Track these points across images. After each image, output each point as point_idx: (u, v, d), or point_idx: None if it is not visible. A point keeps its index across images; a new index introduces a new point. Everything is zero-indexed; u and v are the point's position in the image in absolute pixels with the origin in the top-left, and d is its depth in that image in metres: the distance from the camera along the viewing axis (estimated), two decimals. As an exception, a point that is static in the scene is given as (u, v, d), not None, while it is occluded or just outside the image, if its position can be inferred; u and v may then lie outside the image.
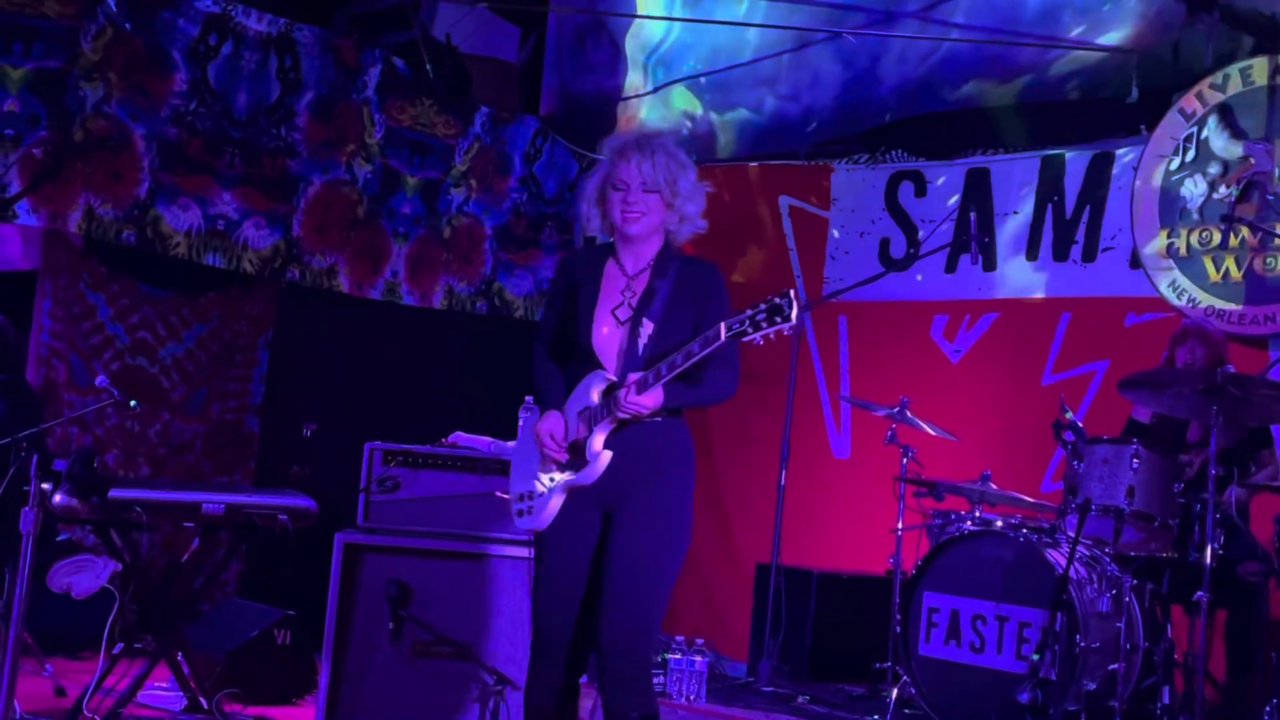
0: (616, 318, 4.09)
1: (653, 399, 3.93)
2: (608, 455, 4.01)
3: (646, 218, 4.07)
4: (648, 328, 4.03)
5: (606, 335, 4.09)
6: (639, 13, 8.44)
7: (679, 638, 6.10)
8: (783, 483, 6.39)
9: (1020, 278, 7.05)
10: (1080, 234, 6.86)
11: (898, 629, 5.76)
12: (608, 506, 4.05)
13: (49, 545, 6.22)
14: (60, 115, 6.63)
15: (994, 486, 5.89)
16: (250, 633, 6.04)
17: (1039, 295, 6.99)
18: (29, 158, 6.47)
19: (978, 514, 5.81)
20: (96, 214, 6.82)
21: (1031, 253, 7.03)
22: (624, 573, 3.94)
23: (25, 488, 4.55)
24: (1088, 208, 6.86)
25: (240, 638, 6.01)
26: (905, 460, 6.12)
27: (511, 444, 6.02)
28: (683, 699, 5.85)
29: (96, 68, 6.72)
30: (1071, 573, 5.24)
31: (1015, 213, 7.07)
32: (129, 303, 7.34)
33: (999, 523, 5.69)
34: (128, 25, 6.81)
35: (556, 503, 4.10)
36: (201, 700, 5.57)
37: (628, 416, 3.97)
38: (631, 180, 4.04)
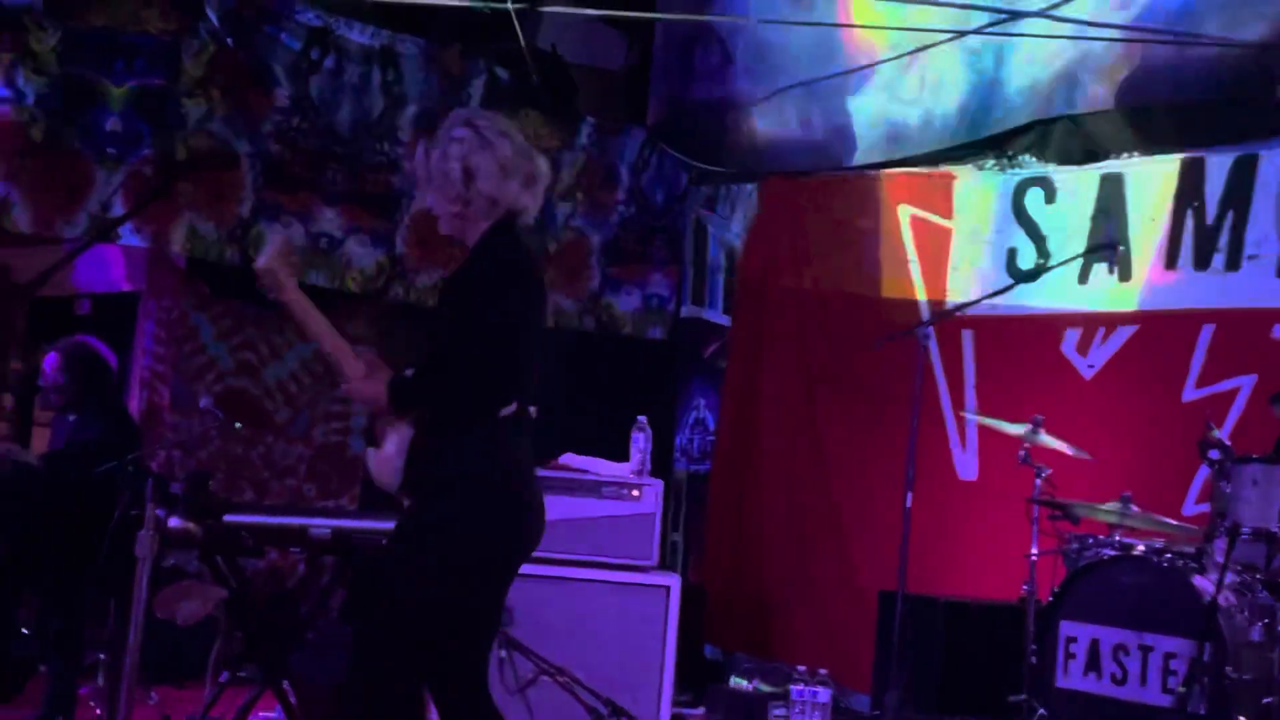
0: None
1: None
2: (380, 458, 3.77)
3: (441, 219, 3.84)
4: None
5: None
6: (751, 17, 8.23)
7: (800, 668, 5.86)
8: (909, 505, 6.11)
9: (1158, 288, 6.73)
10: (1223, 241, 6.54)
11: (1033, 660, 5.53)
12: None
13: (155, 571, 6.15)
14: (163, 134, 6.56)
15: (1135, 509, 5.64)
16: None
17: (1179, 306, 6.66)
18: (137, 177, 6.40)
19: (1117, 538, 5.58)
20: (199, 233, 6.74)
21: (1170, 261, 6.70)
22: None
23: (134, 512, 4.45)
24: (1230, 213, 6.53)
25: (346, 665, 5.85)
26: (1039, 481, 5.85)
27: (626, 465, 5.86)
28: (806, 733, 5.62)
29: (199, 85, 6.65)
30: (1221, 600, 5.00)
31: (1152, 220, 6.75)
32: (232, 323, 7.27)
33: (1140, 547, 5.45)
34: (230, 41, 6.72)
35: None
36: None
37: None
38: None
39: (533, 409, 3.75)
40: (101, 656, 5.35)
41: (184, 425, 6.94)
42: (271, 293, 3.78)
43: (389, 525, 6.16)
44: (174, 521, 4.79)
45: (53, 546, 5.53)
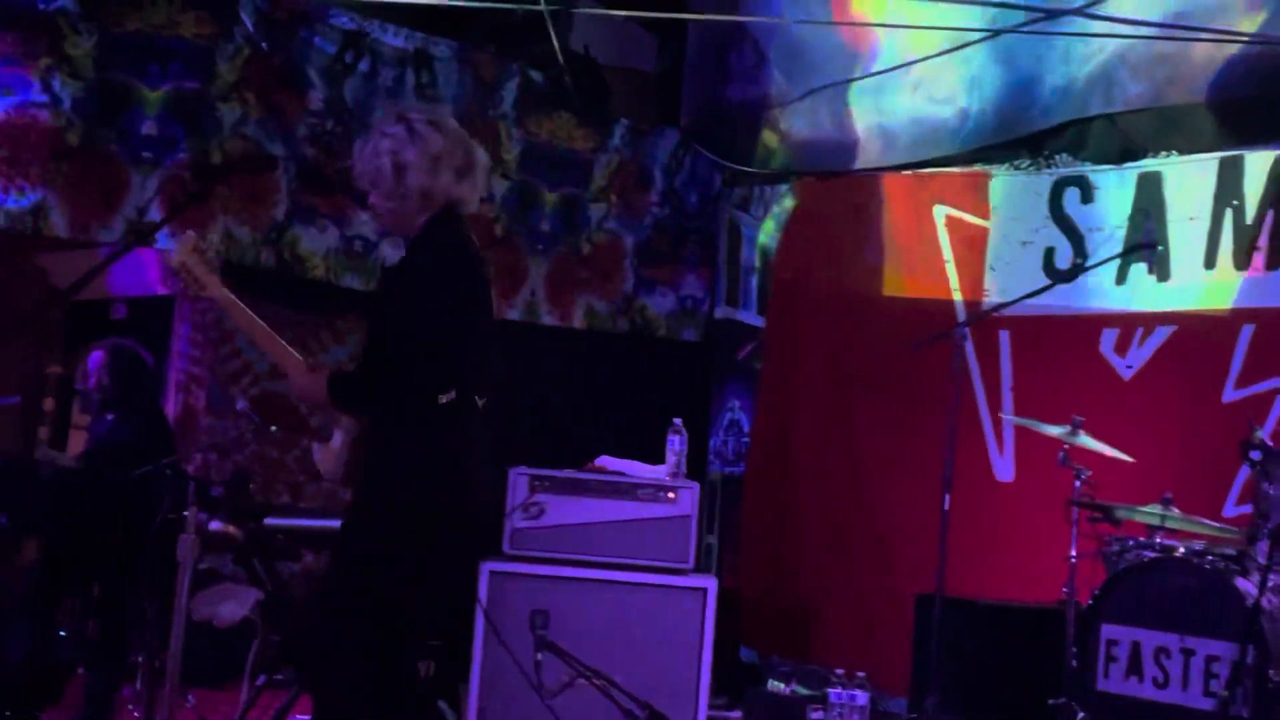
0: None
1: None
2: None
3: (380, 215, 3.87)
4: None
5: None
6: (785, 18, 8.19)
7: (838, 670, 5.81)
8: (946, 507, 6.06)
9: (1197, 288, 6.67)
10: (1263, 240, 6.47)
11: (1074, 663, 5.48)
12: None
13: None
14: (198, 137, 6.58)
15: (1175, 510, 5.58)
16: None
17: (1218, 306, 6.59)
18: (173, 180, 6.41)
19: (1158, 540, 5.52)
20: (234, 237, 6.75)
21: (1209, 261, 6.64)
22: None
23: (175, 515, 4.46)
24: (1270, 212, 6.47)
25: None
26: (1078, 483, 5.78)
27: (661, 467, 5.83)
28: (844, 736, 5.58)
29: (234, 88, 6.67)
30: (1264, 602, 4.93)
31: (1191, 219, 6.69)
32: (268, 326, 7.27)
33: (1181, 549, 5.39)
34: (264, 45, 6.73)
35: None
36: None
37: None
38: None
39: (480, 399, 3.76)
40: (140, 659, 5.35)
41: (219, 428, 6.94)
42: (191, 289, 3.78)
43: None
44: (214, 524, 4.79)
45: (91, 549, 5.54)
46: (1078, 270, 6.78)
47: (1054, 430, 5.84)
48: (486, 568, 5.32)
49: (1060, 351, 7.00)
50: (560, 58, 7.76)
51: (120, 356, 5.83)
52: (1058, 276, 6.92)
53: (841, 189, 7.92)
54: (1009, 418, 6.93)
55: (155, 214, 6.37)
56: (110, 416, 5.74)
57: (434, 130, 3.81)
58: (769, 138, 8.25)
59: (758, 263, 8.32)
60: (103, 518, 5.42)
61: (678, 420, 5.95)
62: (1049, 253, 7.15)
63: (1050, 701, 5.71)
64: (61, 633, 6.09)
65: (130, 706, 5.49)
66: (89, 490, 5.42)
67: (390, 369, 3.66)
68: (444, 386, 3.69)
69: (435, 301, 3.67)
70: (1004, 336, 7.21)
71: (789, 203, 8.17)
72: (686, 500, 5.58)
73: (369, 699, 3.71)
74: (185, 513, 4.03)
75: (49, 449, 6.28)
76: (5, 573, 5.27)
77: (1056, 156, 7.19)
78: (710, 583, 5.51)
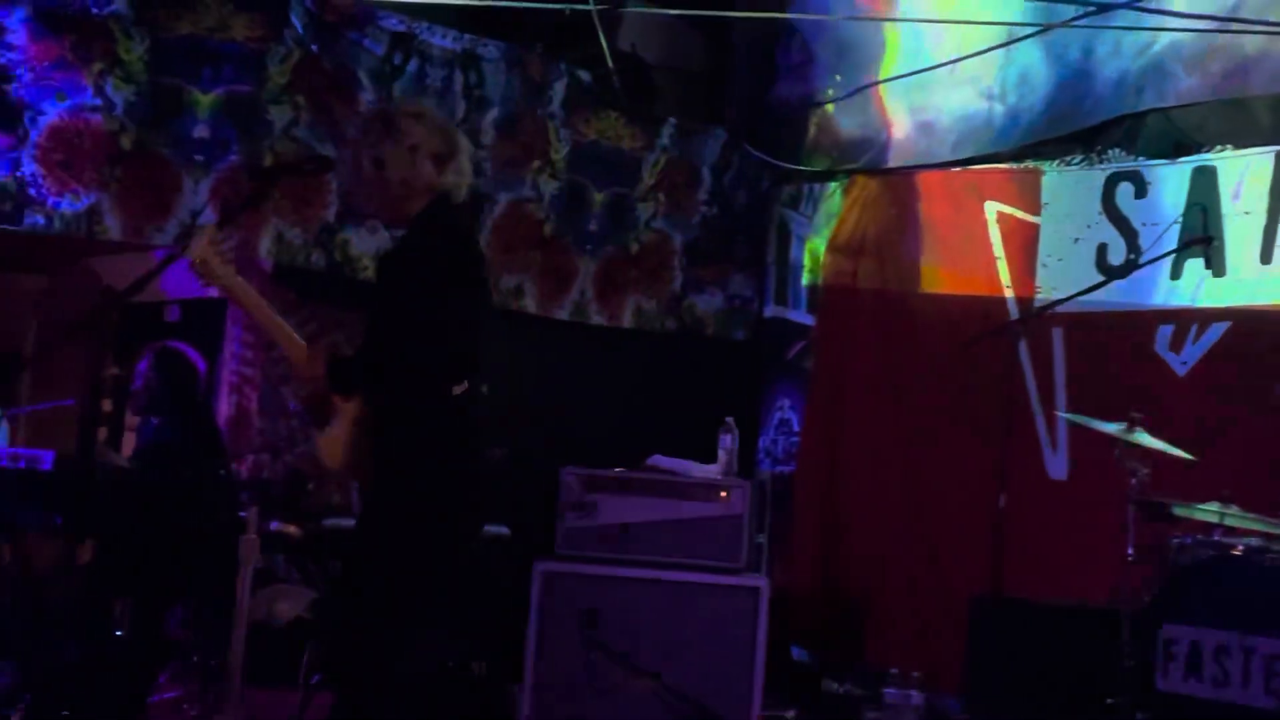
0: None
1: None
2: None
3: (372, 211, 3.95)
4: None
5: None
6: (831, 15, 8.16)
7: (893, 670, 5.78)
8: (1002, 505, 6.00)
9: (1253, 283, 6.57)
10: (1320, 234, 6.38)
11: (1132, 663, 5.39)
12: None
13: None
14: (250, 140, 6.60)
15: (1234, 508, 5.49)
16: (447, 663, 5.90)
17: (1275, 302, 6.50)
18: (226, 183, 6.44)
19: (1217, 538, 5.44)
20: (285, 239, 6.78)
21: (1265, 256, 6.53)
22: None
23: (231, 516, 4.48)
24: (1328, 206, 6.38)
25: (438, 668, 5.86)
26: (1135, 481, 5.71)
27: (713, 466, 5.83)
28: (899, 737, 5.54)
29: (284, 91, 6.68)
30: (1327, 601, 4.83)
31: (1247, 213, 6.59)
32: (318, 327, 7.27)
33: (1240, 546, 5.32)
34: (314, 47, 6.75)
35: None
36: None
37: None
38: None
39: (484, 385, 3.79)
40: (194, 659, 5.38)
41: (272, 430, 6.97)
42: (204, 280, 3.85)
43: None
44: (274, 524, 4.81)
45: (145, 550, 5.57)
46: (1132, 266, 6.70)
47: (1110, 427, 5.77)
48: (539, 568, 5.32)
49: (1114, 348, 6.92)
50: (608, 57, 7.74)
51: (167, 360, 5.88)
52: (1111, 272, 6.85)
53: (890, 186, 7.88)
54: (1064, 415, 6.87)
55: (208, 216, 6.40)
56: (155, 420, 5.77)
57: (412, 121, 3.90)
58: (817, 136, 8.23)
59: (807, 261, 8.28)
60: (153, 519, 5.45)
61: (730, 419, 5.93)
62: (1102, 248, 7.07)
63: (1108, 701, 5.66)
64: (118, 633, 6.13)
65: (186, 705, 5.51)
66: (140, 492, 5.45)
67: (396, 359, 3.71)
68: (456, 378, 3.73)
69: (436, 295, 3.71)
70: (1056, 334, 7.14)
71: (838, 200, 8.13)
72: (738, 499, 5.58)
73: (397, 694, 3.72)
74: (243, 514, 4.05)
75: (107, 450, 6.33)
76: (61, 574, 5.31)
77: (1109, 151, 7.10)
78: (763, 582, 5.51)
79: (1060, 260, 7.19)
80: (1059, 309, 6.71)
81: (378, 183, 3.87)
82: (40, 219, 6.19)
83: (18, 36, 6.09)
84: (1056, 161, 7.28)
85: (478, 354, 3.81)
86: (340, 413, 3.82)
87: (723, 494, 5.57)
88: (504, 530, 6.57)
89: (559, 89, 7.61)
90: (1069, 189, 7.20)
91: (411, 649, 3.76)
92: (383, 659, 3.67)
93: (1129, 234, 6.98)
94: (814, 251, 8.26)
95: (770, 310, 8.47)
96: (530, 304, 7.67)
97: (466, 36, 7.25)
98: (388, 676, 3.66)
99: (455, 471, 3.72)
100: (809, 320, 8.25)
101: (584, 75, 7.72)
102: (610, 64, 7.76)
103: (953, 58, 7.67)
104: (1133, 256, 6.83)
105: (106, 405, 7.39)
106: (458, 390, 3.73)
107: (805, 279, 8.27)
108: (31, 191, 6.14)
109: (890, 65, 8.01)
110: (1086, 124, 7.19)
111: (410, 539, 3.69)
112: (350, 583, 3.81)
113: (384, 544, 3.70)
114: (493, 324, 3.92)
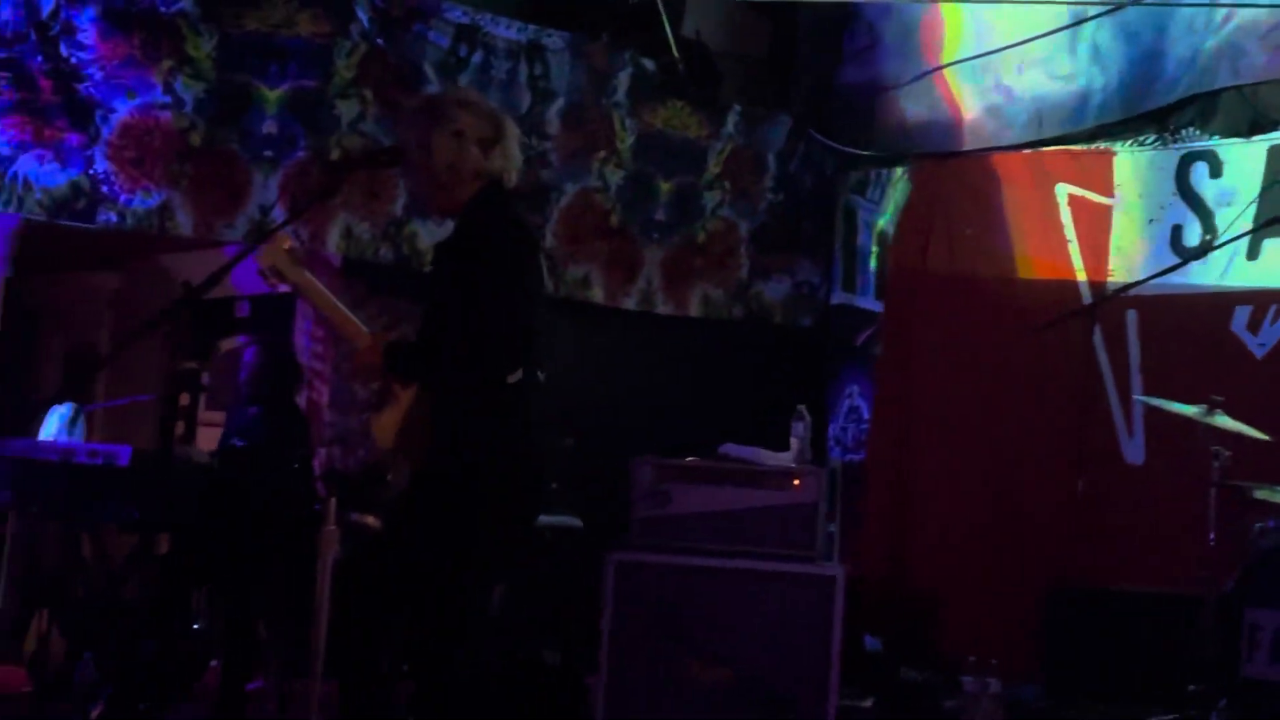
0: None
1: None
2: None
3: (423, 200, 3.90)
4: None
5: None
6: (897, -2, 8.10)
7: (970, 658, 5.72)
8: (1079, 490, 5.94)
9: (1333, 263, 6.48)
10: (1401, 211, 6.26)
11: (1215, 649, 5.33)
12: None
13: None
14: (317, 135, 6.63)
15: (1317, 491, 5.41)
16: (521, 654, 5.91)
17: (1357, 281, 6.40)
18: (295, 179, 6.47)
19: (1301, 521, 5.34)
20: (354, 233, 6.80)
21: (1344, 234, 6.45)
22: None
23: (310, 508, 4.50)
24: None
25: (512, 659, 5.87)
26: (1216, 464, 5.62)
27: (785, 454, 5.78)
28: (978, 725, 5.49)
29: (351, 85, 6.70)
30: None
31: (1326, 192, 6.49)
32: (387, 321, 7.31)
33: (1325, 530, 5.22)
34: (379, 41, 6.76)
35: None
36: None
37: None
38: None
39: (541, 373, 3.78)
40: (274, 651, 5.41)
41: (342, 423, 7.00)
42: (271, 279, 3.89)
43: (547, 520, 6.20)
44: (353, 515, 4.84)
45: (225, 542, 5.62)
46: (1208, 247, 6.61)
47: (1189, 410, 5.69)
48: (613, 557, 5.31)
49: (1190, 331, 6.83)
50: (672, 45, 7.70)
51: (270, 353, 5.94)
52: (1187, 254, 6.76)
53: (959, 170, 7.80)
54: (1141, 399, 6.78)
55: (279, 212, 6.43)
56: (254, 410, 5.82)
57: (458, 107, 3.91)
58: (883, 120, 8.15)
59: (874, 247, 8.22)
60: (236, 511, 5.49)
61: (801, 406, 5.88)
62: (1176, 230, 6.98)
63: (1190, 689, 5.58)
64: (195, 625, 6.18)
65: (266, 699, 5.55)
66: (222, 485, 5.48)
67: (452, 346, 3.71)
68: (513, 367, 3.73)
69: (497, 281, 3.70)
70: (1131, 316, 7.05)
71: (905, 185, 8.06)
72: (811, 487, 5.53)
73: (461, 682, 3.72)
74: (319, 506, 4.07)
75: (184, 443, 6.38)
76: (140, 567, 5.36)
77: (1183, 131, 7.00)
78: (838, 570, 5.46)
79: (1134, 242, 7.10)
80: (1133, 292, 6.61)
81: (425, 170, 3.88)
82: (113, 216, 6.24)
83: (88, 36, 6.14)
84: (1129, 142, 7.19)
85: (533, 342, 3.80)
86: (398, 397, 3.84)
87: (795, 482, 5.53)
88: (576, 521, 6.57)
89: (623, 78, 7.59)
90: (1142, 170, 7.12)
91: (466, 635, 3.75)
92: (441, 648, 3.68)
93: (1204, 214, 6.89)
94: (882, 237, 8.19)
95: (837, 297, 8.41)
96: (598, 294, 7.66)
97: (531, 27, 7.24)
98: (447, 666, 3.66)
99: (508, 456, 3.73)
100: (877, 306, 8.19)
101: (648, 64, 7.69)
102: (675, 52, 7.73)
103: (1022, 39, 7.57)
104: (1208, 237, 6.73)
105: (183, 399, 7.45)
106: (513, 379, 3.72)
107: (873, 265, 8.21)
108: (104, 189, 6.20)
109: (957, 48, 7.91)
110: (1159, 103, 7.08)
111: (459, 520, 3.69)
112: (389, 556, 3.81)
113: (431, 524, 3.70)
114: (545, 312, 3.91)
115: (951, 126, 7.85)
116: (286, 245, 3.96)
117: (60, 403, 6.56)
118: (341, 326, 3.94)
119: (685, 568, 5.32)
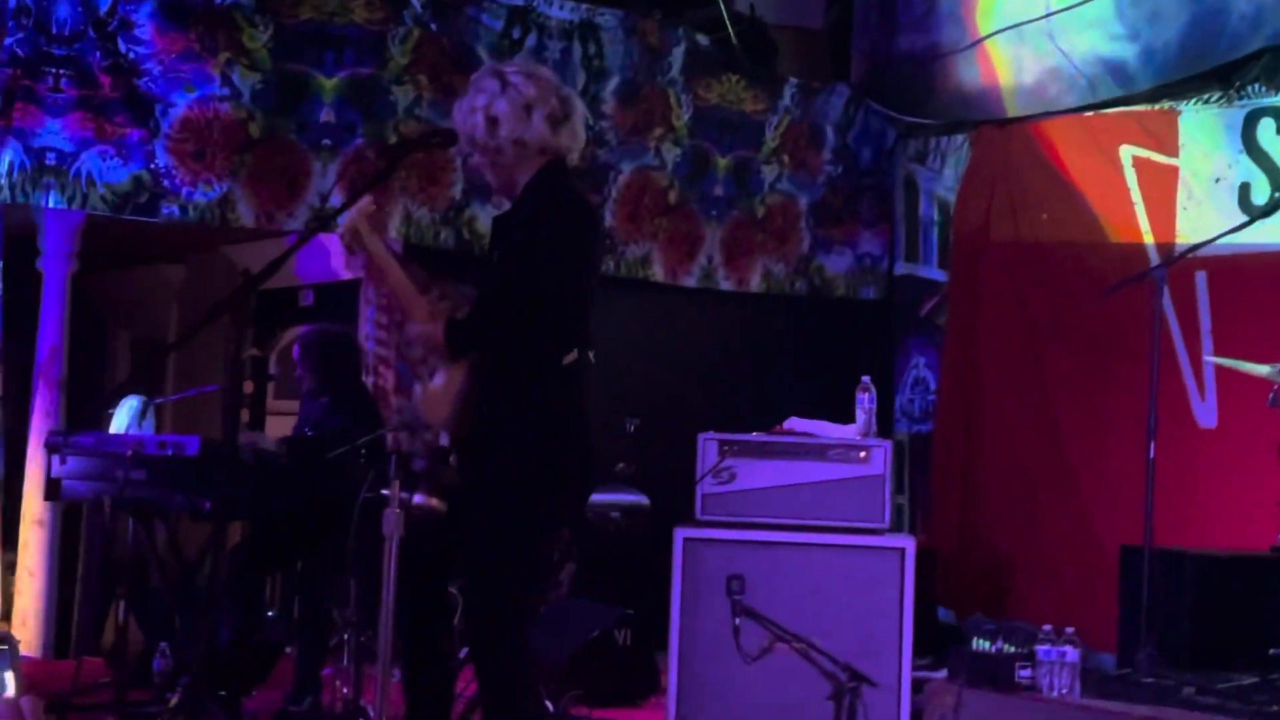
0: None
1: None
2: None
3: (486, 174, 3.89)
4: None
5: None
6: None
7: (1046, 627, 5.65)
8: (1152, 455, 5.85)
9: (1406, 216, 6.33)
10: None
11: (1294, 612, 5.23)
12: None
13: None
14: (374, 122, 6.65)
15: (1395, 450, 5.30)
16: (592, 633, 5.93)
17: None
18: (353, 165, 6.49)
19: (1378, 480, 5.25)
20: (414, 218, 6.83)
21: None
22: None
23: (377, 492, 4.52)
24: None
25: (582, 638, 5.90)
26: (1291, 424, 5.53)
27: (851, 427, 5.74)
28: (1055, 692, 5.42)
29: (406, 71, 6.72)
30: None
31: (1399, 145, 6.36)
32: (449, 306, 7.32)
33: (1405, 489, 5.12)
34: (433, 26, 6.78)
35: None
36: (547, 703, 5.44)
37: None
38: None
39: (591, 354, 3.76)
40: (345, 636, 5.45)
41: (409, 407, 7.02)
42: (348, 242, 3.86)
43: (614, 498, 6.20)
44: (417, 498, 4.84)
45: (297, 530, 5.66)
46: (1276, 205, 6.48)
47: (1263, 370, 5.59)
48: (680, 533, 5.29)
49: (1261, 290, 6.71)
50: (726, 19, 7.67)
51: (333, 341, 5.99)
52: (1255, 212, 6.63)
53: (1020, 136, 7.70)
54: (1212, 359, 6.67)
55: (336, 199, 6.46)
56: (324, 400, 5.86)
57: (528, 80, 3.81)
58: (943, 87, 8.06)
59: (937, 216, 8.14)
60: (307, 499, 5.52)
61: (866, 378, 5.84)
62: (1244, 188, 6.87)
63: (1271, 652, 5.50)
64: (270, 612, 6.25)
65: (339, 682, 5.60)
66: (292, 473, 5.52)
67: (511, 324, 3.68)
68: (567, 339, 3.71)
69: (558, 258, 3.67)
70: (1200, 277, 6.95)
71: (966, 153, 7.98)
72: (879, 459, 5.48)
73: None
74: (386, 490, 4.07)
75: (251, 432, 6.44)
76: (212, 556, 5.40)
77: (1248, 88, 6.88)
78: (908, 542, 5.41)
79: (1200, 202, 7.00)
80: (1202, 252, 6.49)
81: (491, 141, 3.80)
82: (175, 209, 6.30)
83: (145, 31, 6.20)
84: (1193, 100, 7.07)
85: (588, 324, 3.77)
86: (444, 369, 3.82)
87: (862, 454, 5.48)
88: (643, 499, 6.57)
89: (678, 54, 7.56)
90: (1208, 128, 7.01)
91: (519, 616, 3.75)
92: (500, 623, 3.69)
93: (1272, 172, 6.76)
94: (944, 206, 8.12)
95: (901, 268, 8.35)
96: (657, 273, 7.65)
97: (583, 6, 7.24)
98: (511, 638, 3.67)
99: (555, 438, 3.70)
100: (941, 276, 8.12)
101: (702, 39, 7.66)
102: (729, 26, 7.68)
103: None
104: (1277, 195, 6.61)
105: (248, 387, 7.52)
106: (568, 360, 3.70)
107: (936, 234, 8.13)
108: (165, 183, 6.26)
109: (1016, 10, 7.80)
110: (1223, 60, 6.95)
111: (503, 498, 3.68)
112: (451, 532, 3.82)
113: (480, 502, 3.72)
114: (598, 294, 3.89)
115: (1010, 91, 7.74)
116: (371, 210, 3.94)
117: (129, 395, 6.63)
118: (408, 302, 3.93)
119: (753, 542, 5.30)
